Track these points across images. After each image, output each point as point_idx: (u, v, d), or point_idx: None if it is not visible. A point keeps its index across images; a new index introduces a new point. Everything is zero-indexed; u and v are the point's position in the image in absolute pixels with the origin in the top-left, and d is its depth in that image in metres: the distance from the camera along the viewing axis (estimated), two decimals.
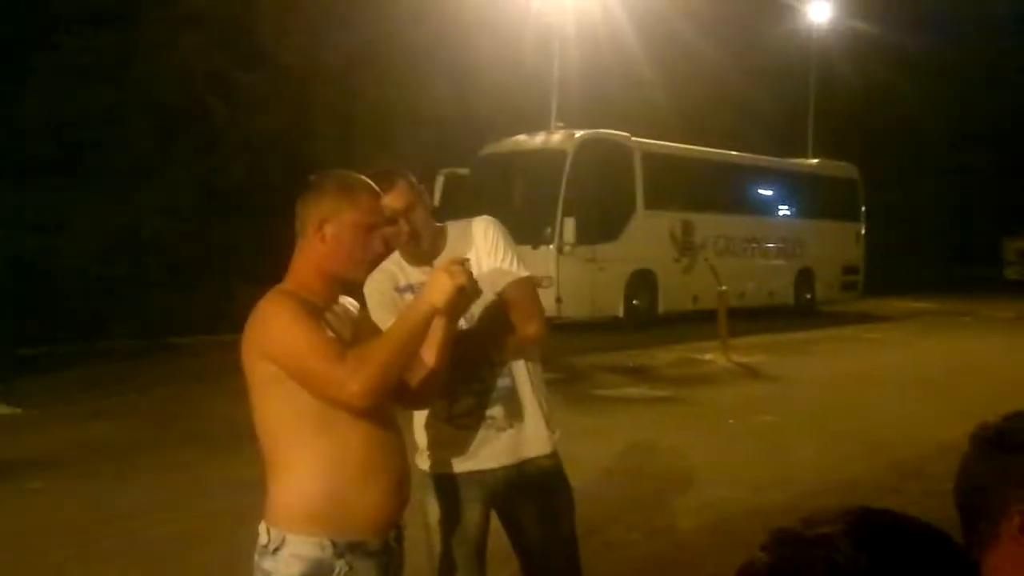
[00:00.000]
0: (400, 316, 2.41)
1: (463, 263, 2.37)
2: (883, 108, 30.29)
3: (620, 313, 16.70)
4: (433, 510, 2.98)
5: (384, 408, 2.37)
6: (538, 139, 17.18)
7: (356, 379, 2.20)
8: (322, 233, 2.33)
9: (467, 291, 2.34)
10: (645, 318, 16.88)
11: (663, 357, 13.81)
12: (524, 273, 2.96)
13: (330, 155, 14.73)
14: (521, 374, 2.96)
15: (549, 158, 16.08)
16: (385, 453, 2.38)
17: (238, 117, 17.75)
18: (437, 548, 2.99)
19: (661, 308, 17.42)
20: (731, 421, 9.35)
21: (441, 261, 2.71)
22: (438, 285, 2.32)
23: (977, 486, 1.56)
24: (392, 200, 2.71)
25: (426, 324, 2.32)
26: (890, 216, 25.36)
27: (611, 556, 5.17)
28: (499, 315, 2.88)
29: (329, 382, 2.22)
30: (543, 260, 14.87)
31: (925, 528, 1.05)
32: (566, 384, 10.72)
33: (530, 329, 2.93)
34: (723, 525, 5.73)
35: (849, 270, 22.47)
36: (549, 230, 15.24)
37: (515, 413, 2.92)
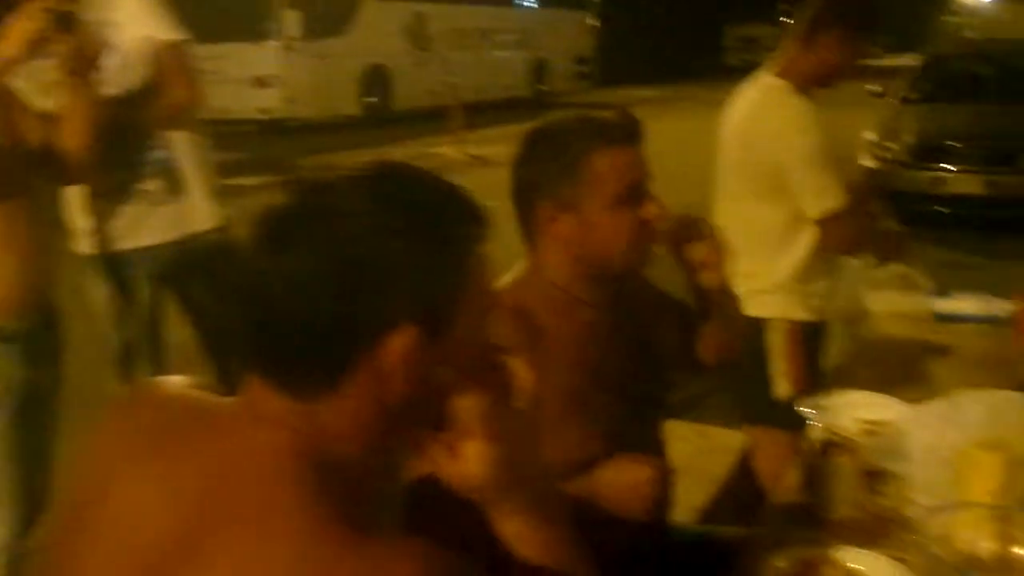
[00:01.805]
0: None
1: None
2: None
3: (355, 111, 16.32)
4: (98, 293, 2.83)
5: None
6: None
7: None
8: None
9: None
10: (381, 115, 16.59)
11: (398, 154, 13.69)
12: (173, 37, 2.75)
13: None
14: (179, 146, 2.79)
15: None
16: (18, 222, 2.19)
17: None
18: (109, 333, 2.85)
19: (397, 104, 17.14)
20: None
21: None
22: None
23: (519, 189, 1.83)
24: None
25: None
26: (619, 5, 25.73)
27: None
28: (147, 83, 2.68)
29: None
30: (266, 56, 14.24)
31: (439, 182, 1.09)
32: None
33: (178, 96, 2.76)
34: None
35: (581, 60, 22.83)
36: (271, 23, 14.51)
37: (174, 186, 2.77)
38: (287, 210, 1.01)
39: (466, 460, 1.07)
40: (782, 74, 2.83)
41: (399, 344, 0.99)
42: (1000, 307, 2.87)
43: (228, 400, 1.08)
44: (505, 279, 1.86)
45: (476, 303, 1.06)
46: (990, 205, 8.30)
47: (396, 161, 1.11)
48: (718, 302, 1.99)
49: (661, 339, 2.02)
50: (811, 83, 2.81)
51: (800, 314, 2.83)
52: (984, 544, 1.56)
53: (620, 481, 1.71)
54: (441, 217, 1.04)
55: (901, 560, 1.60)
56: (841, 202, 2.71)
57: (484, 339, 1.09)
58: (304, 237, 0.98)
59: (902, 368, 2.55)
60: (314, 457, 0.99)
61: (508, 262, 1.77)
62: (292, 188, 1.03)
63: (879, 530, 1.76)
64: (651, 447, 1.95)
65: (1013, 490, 1.66)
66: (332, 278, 0.97)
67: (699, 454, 3.54)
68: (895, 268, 2.87)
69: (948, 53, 11.18)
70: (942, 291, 2.98)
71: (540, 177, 1.79)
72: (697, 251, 1.90)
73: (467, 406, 1.06)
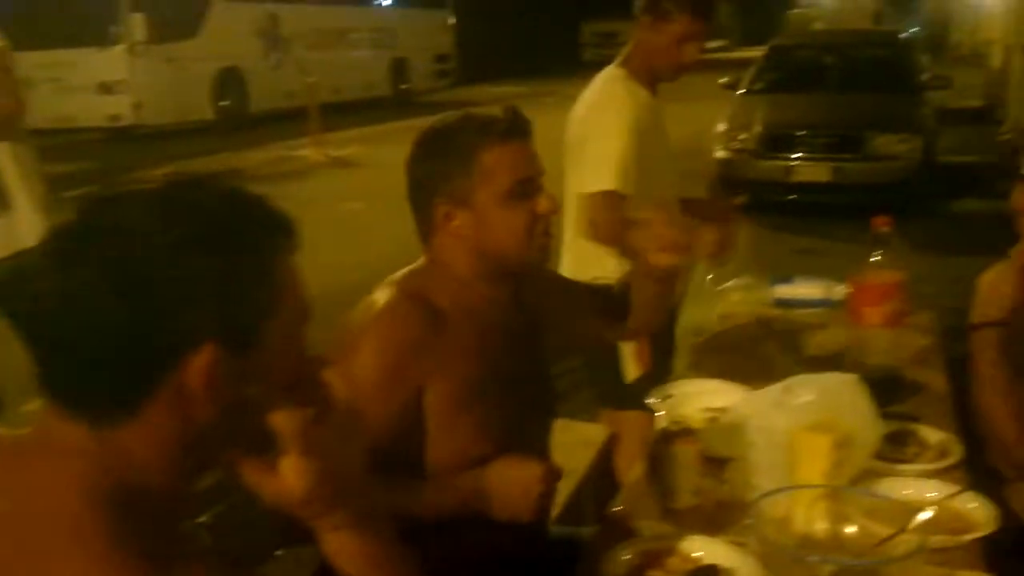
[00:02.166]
0: None
1: None
2: None
3: (209, 115, 15.93)
4: None
5: None
6: None
7: None
8: None
9: None
10: (236, 119, 16.21)
11: (255, 157, 13.45)
12: None
13: None
14: (1, 158, 2.67)
15: None
16: None
17: None
18: None
19: (253, 107, 16.77)
20: (318, 211, 9.35)
21: None
22: None
23: (415, 187, 1.83)
24: None
25: None
26: (477, 3, 25.79)
27: None
28: None
29: None
30: (113, 63, 13.75)
31: (238, 192, 1.06)
32: None
33: None
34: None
35: (441, 58, 22.79)
36: (116, 28, 14.03)
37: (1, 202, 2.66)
38: (73, 226, 0.97)
39: (283, 477, 1.04)
40: (623, 63, 2.87)
41: (201, 363, 0.95)
42: (837, 291, 2.96)
43: (26, 433, 1.01)
44: (402, 272, 1.86)
45: (286, 316, 1.03)
46: (836, 191, 8.59)
47: (192, 173, 1.08)
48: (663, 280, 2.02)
49: (566, 330, 2.10)
50: (650, 73, 2.83)
51: None
52: (818, 524, 1.61)
53: (510, 479, 1.72)
54: (239, 229, 1.00)
55: (742, 545, 1.63)
56: (606, 186, 2.67)
57: (298, 352, 1.06)
58: (89, 254, 0.94)
59: (746, 355, 2.60)
60: (115, 488, 0.93)
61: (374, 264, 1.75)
62: (80, 204, 0.98)
63: (721, 517, 1.79)
64: (542, 447, 1.96)
65: (843, 470, 1.71)
66: (119, 297, 0.92)
67: (561, 448, 3.55)
68: (739, 278, 2.88)
69: (790, 44, 11.53)
70: (787, 277, 3.06)
71: (434, 175, 1.80)
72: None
73: (281, 422, 1.03)
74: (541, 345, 2.01)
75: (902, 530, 1.48)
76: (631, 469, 2.10)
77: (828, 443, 1.66)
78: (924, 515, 1.52)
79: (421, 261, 1.89)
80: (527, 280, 1.94)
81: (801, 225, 8.39)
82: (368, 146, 14.10)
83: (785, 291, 3.02)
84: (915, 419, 2.12)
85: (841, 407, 1.80)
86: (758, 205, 8.90)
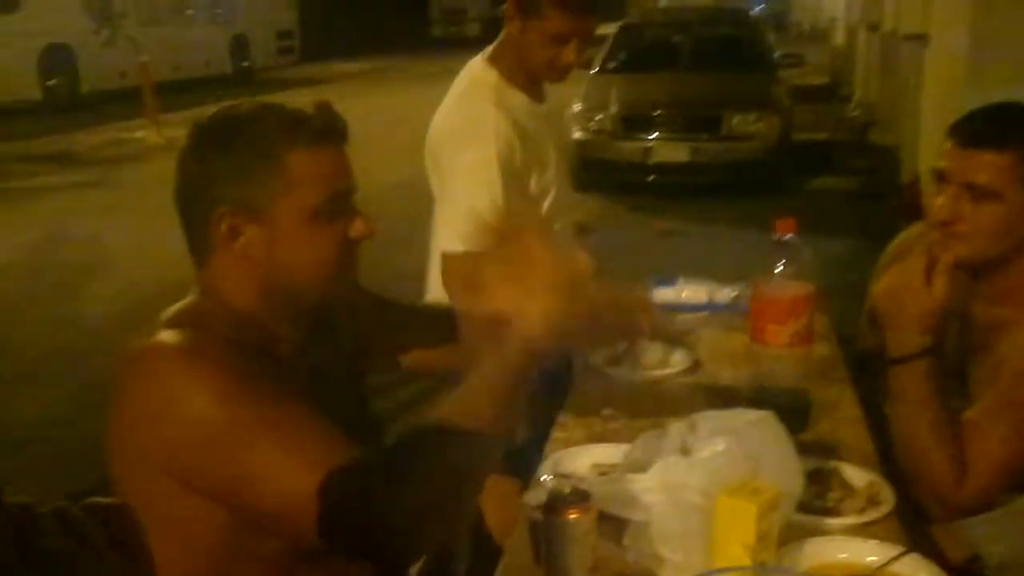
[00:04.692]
0: None
1: None
2: None
3: (36, 95, 14.89)
4: None
5: None
6: None
7: None
8: None
9: None
10: (66, 99, 15.23)
11: (87, 140, 12.68)
12: None
13: None
14: None
15: None
16: None
17: None
18: None
19: (84, 86, 15.79)
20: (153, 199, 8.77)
21: None
22: None
23: (188, 190, 1.46)
24: None
25: None
26: None
27: None
28: None
29: None
30: None
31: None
32: None
33: None
34: (136, 309, 5.30)
35: (284, 35, 22.03)
36: None
37: None
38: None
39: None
40: (493, 61, 2.47)
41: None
42: (722, 295, 2.69)
43: None
44: (170, 311, 1.45)
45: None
46: (695, 171, 8.48)
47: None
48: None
49: (384, 350, 1.81)
50: (526, 75, 2.44)
51: None
52: None
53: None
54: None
55: None
56: (457, 246, 2.30)
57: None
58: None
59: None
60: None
61: None
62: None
63: None
64: None
65: (769, 539, 1.41)
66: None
67: None
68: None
69: (641, 23, 11.39)
70: (668, 279, 2.76)
71: (219, 177, 1.41)
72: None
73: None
74: (358, 384, 1.68)
75: None
76: (505, 535, 1.76)
77: (754, 511, 1.36)
78: None
79: (189, 299, 1.49)
80: (329, 310, 1.58)
81: (662, 206, 8.25)
82: None
83: (667, 294, 2.73)
84: (831, 450, 1.86)
85: (762, 456, 1.50)
86: (618, 187, 8.79)
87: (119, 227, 7.62)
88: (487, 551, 2.16)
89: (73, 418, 4.28)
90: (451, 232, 2.34)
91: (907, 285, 1.84)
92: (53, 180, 10.15)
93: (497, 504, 2.22)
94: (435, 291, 2.44)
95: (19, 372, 5.07)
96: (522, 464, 1.88)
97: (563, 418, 2.09)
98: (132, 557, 1.06)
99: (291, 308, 1.48)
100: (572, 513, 1.46)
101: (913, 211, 2.11)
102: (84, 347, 5.21)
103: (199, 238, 1.45)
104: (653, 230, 7.52)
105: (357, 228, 1.46)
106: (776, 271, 1.91)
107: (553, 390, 2.25)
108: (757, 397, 1.90)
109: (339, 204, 1.45)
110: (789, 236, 1.91)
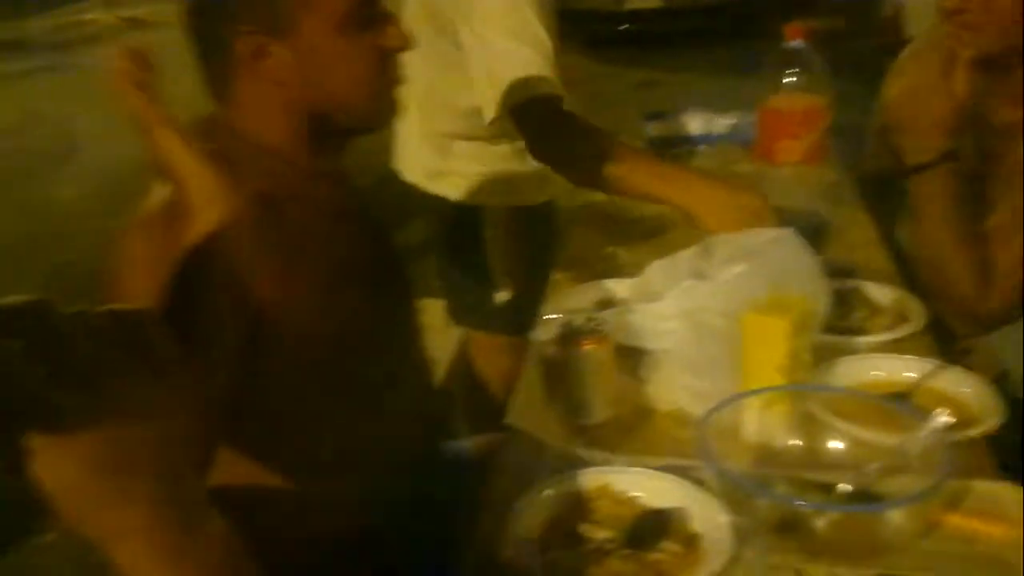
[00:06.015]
0: None
1: None
2: None
3: None
4: None
5: None
6: None
7: None
8: None
9: None
10: None
11: (40, 24, 12.23)
12: None
13: None
14: None
15: None
16: None
17: None
18: None
19: None
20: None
21: None
22: None
23: (202, 12, 1.26)
24: None
25: None
26: None
27: None
28: None
29: None
30: None
31: None
32: None
33: None
34: (108, 192, 5.18)
35: None
36: None
37: None
38: None
39: None
40: None
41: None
42: (719, 124, 2.57)
43: None
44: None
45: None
46: (672, 17, 8.22)
47: None
48: None
49: None
50: None
51: (508, 198, 2.23)
52: (782, 437, 1.23)
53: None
54: None
55: (687, 469, 1.23)
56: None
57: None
58: None
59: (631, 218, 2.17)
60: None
61: None
62: None
63: (647, 431, 1.40)
64: (410, 336, 1.55)
65: (801, 359, 1.32)
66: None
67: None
68: None
69: None
70: (658, 114, 2.63)
71: None
72: None
73: None
74: (384, 228, 1.53)
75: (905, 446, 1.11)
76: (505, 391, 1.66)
77: (785, 328, 1.26)
78: (939, 419, 1.14)
79: (203, 120, 1.31)
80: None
81: (637, 56, 8.02)
82: (163, 3, 12.89)
83: (660, 128, 2.60)
84: (848, 272, 1.76)
85: (786, 275, 1.41)
86: (590, 39, 8.51)
87: (82, 112, 7.39)
88: (481, 400, 2.09)
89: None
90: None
91: (925, 84, 1.71)
92: (6, 68, 9.80)
93: (488, 357, 2.13)
94: None
95: None
96: (511, 322, 1.77)
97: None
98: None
99: (324, 135, 1.31)
100: (588, 344, 1.37)
101: (899, 47, 1.95)
102: (56, 231, 5.06)
103: (218, 66, 1.27)
104: (628, 83, 7.32)
105: (390, 36, 1.29)
106: (786, 81, 1.77)
107: (536, 244, 2.15)
108: None
109: (370, 10, 1.27)
110: (799, 42, 1.77)
